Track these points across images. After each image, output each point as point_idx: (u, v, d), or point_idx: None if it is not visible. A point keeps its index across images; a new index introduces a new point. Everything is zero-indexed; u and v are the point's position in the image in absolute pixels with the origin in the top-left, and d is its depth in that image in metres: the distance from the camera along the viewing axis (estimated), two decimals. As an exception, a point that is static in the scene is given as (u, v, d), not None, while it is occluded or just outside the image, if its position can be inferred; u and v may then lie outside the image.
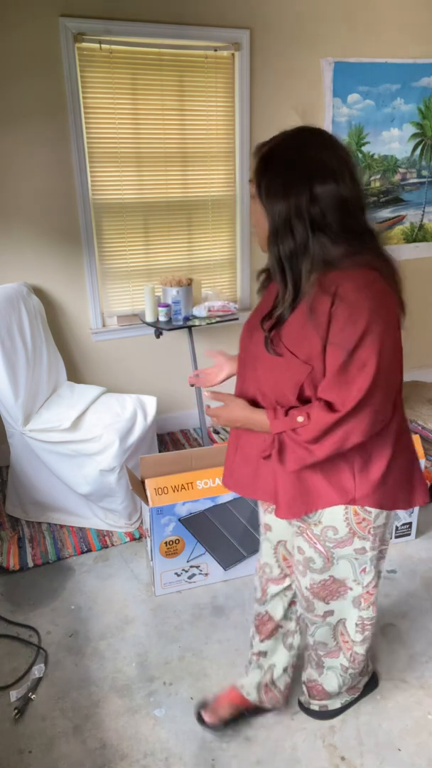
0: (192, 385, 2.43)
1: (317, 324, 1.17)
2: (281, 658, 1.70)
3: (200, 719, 1.72)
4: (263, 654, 1.70)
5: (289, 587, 1.62)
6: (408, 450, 1.38)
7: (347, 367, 1.16)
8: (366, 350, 1.15)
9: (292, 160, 1.17)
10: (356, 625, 1.54)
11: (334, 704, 1.72)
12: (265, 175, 1.18)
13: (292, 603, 1.65)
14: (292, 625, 1.67)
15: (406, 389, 3.95)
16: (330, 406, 1.20)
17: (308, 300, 1.17)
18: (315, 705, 1.72)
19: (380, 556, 1.48)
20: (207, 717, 1.71)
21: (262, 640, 1.69)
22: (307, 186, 1.14)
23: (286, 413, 1.25)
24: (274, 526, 1.57)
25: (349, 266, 1.17)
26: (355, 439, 1.21)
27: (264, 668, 1.70)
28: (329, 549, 1.40)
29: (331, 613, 1.52)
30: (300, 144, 1.20)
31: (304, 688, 1.73)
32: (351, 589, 1.48)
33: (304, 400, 1.25)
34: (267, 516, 1.57)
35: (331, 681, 1.64)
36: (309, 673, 1.69)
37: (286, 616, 1.66)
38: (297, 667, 1.73)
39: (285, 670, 1.71)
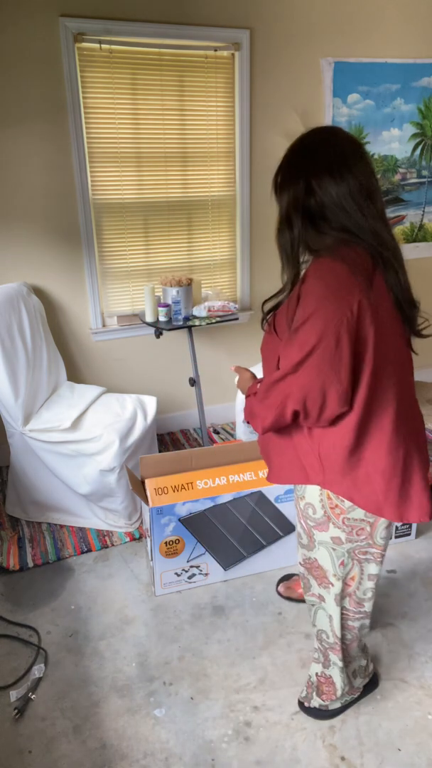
0: (192, 385, 2.44)
1: (290, 305, 1.28)
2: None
3: (278, 591, 2.16)
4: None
5: None
6: (403, 459, 1.34)
7: (290, 341, 1.26)
8: (306, 329, 1.22)
9: (292, 158, 1.30)
10: (340, 619, 1.57)
11: (335, 704, 1.72)
12: (276, 176, 1.32)
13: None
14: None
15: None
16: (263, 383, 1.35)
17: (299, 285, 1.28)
18: (316, 702, 1.72)
19: (364, 557, 1.48)
20: (282, 590, 2.15)
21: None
22: (303, 179, 1.25)
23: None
24: None
25: (322, 255, 1.26)
26: (291, 404, 1.27)
27: None
28: (310, 528, 1.48)
29: (322, 598, 1.57)
30: (302, 141, 1.31)
31: (313, 682, 1.72)
32: (332, 585, 1.51)
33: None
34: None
35: (336, 677, 1.66)
36: (316, 667, 1.70)
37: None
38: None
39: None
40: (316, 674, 1.71)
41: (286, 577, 2.25)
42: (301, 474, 1.40)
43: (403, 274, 1.32)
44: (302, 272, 1.28)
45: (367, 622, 1.63)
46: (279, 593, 2.21)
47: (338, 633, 1.58)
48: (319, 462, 1.36)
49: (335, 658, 1.63)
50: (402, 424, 1.34)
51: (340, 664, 1.64)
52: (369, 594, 1.56)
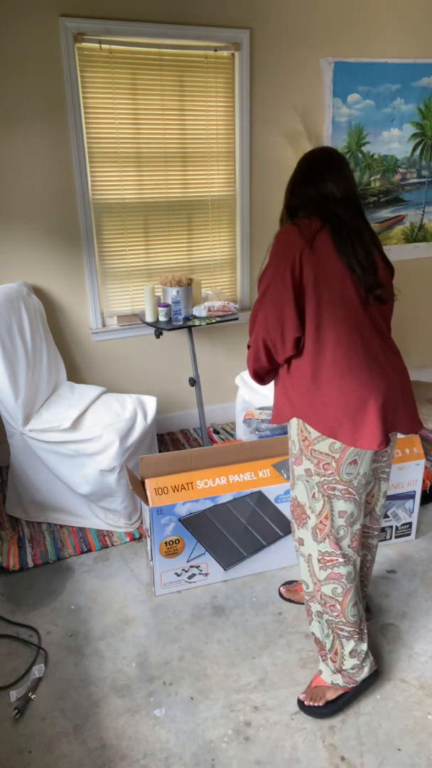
0: (192, 385, 2.46)
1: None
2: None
3: (280, 591, 2.23)
4: None
5: None
6: (356, 391, 1.53)
7: (258, 289, 1.61)
8: (264, 274, 1.59)
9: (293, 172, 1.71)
10: (318, 561, 1.68)
11: (329, 693, 1.76)
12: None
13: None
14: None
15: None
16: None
17: None
18: (321, 665, 1.79)
19: (332, 493, 1.61)
20: (284, 591, 2.21)
21: None
22: (291, 186, 1.69)
23: None
24: None
25: (284, 225, 1.65)
26: (261, 339, 1.59)
27: None
28: (292, 465, 1.69)
29: (301, 542, 1.73)
30: (299, 160, 1.72)
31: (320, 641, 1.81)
32: (309, 518, 1.67)
33: None
34: None
35: (316, 628, 1.78)
36: (310, 627, 1.83)
37: None
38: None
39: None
40: (312, 634, 1.82)
41: (290, 581, 2.26)
42: (285, 411, 1.66)
43: (362, 248, 1.56)
44: None
45: (352, 571, 1.69)
46: (280, 594, 2.22)
47: (317, 575, 1.70)
48: (292, 394, 1.62)
49: (315, 606, 1.75)
50: (362, 361, 1.54)
51: (315, 613, 1.75)
52: (342, 533, 1.64)
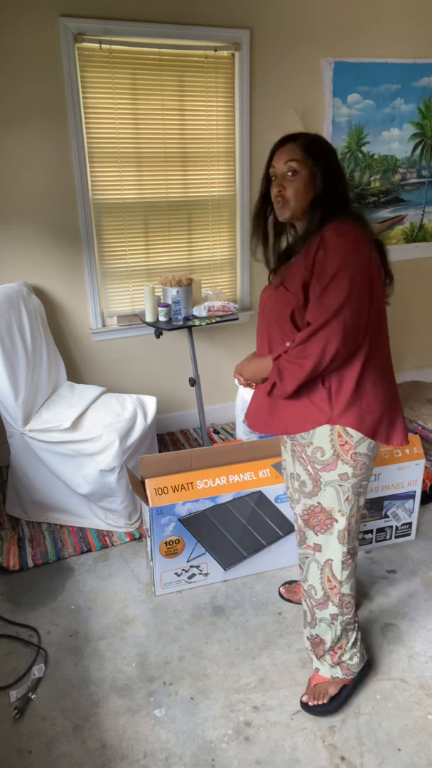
0: (192, 385, 2.44)
1: (306, 262, 1.49)
2: None
3: (279, 591, 2.23)
4: None
5: None
6: (389, 391, 1.59)
7: (325, 293, 1.45)
8: (341, 279, 1.43)
9: (328, 147, 1.56)
10: (342, 562, 1.69)
11: (331, 689, 1.77)
12: (319, 152, 1.52)
13: None
14: None
15: (406, 389, 3.95)
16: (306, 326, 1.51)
17: (309, 240, 1.51)
18: (317, 663, 1.81)
19: (360, 491, 1.65)
20: (283, 591, 2.21)
21: None
22: (335, 163, 1.55)
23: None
24: (287, 460, 1.81)
25: (336, 220, 1.51)
26: (333, 347, 1.45)
27: None
28: (317, 471, 1.62)
29: (319, 547, 1.69)
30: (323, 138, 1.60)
31: (307, 644, 1.82)
32: (337, 521, 1.65)
33: (295, 325, 1.55)
34: (283, 452, 1.84)
35: (325, 632, 1.76)
36: (307, 631, 1.82)
37: None
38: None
39: None
40: (308, 638, 1.81)
41: (290, 582, 2.26)
42: (312, 419, 1.57)
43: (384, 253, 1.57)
44: (316, 227, 1.51)
45: (355, 565, 1.75)
46: (280, 594, 2.22)
47: (339, 576, 1.70)
48: (329, 401, 1.54)
49: (322, 613, 1.74)
50: (390, 362, 1.62)
51: (328, 618, 1.73)
52: (359, 527, 1.74)
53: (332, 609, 1.73)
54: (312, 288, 1.48)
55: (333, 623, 1.74)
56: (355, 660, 1.79)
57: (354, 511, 1.65)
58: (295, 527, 1.78)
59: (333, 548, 1.68)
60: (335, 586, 1.71)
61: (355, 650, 1.78)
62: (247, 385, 1.73)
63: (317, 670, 1.80)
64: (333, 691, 1.76)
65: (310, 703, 1.76)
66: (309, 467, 1.63)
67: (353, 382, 1.53)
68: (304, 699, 1.78)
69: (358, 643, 1.80)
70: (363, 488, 1.65)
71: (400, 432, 1.61)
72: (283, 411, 1.63)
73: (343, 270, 1.43)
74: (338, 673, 1.77)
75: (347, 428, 1.55)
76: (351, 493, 1.62)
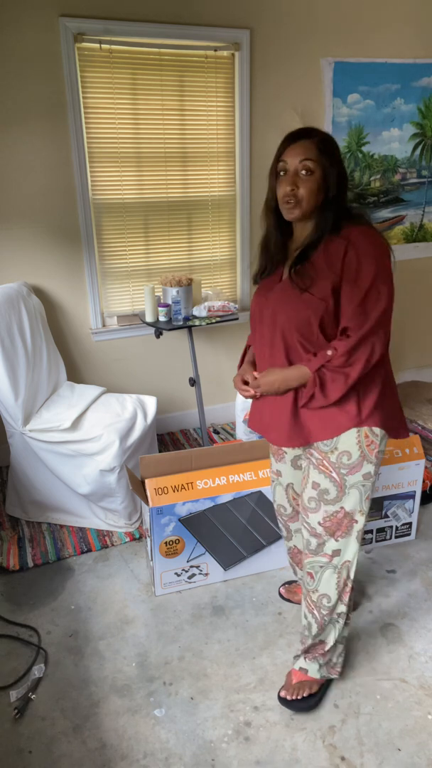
0: (192, 385, 2.40)
1: (332, 266, 1.47)
2: None
3: (280, 593, 2.21)
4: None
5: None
6: (393, 384, 1.63)
7: (366, 299, 1.45)
8: (379, 285, 1.45)
9: (337, 147, 1.53)
10: (354, 562, 1.69)
11: (314, 687, 1.78)
12: (333, 152, 1.50)
13: None
14: None
15: (406, 389, 3.95)
16: (348, 334, 1.48)
17: (325, 243, 1.50)
18: (305, 664, 1.79)
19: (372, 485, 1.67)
20: (283, 591, 2.20)
21: (301, 569, 1.90)
22: (343, 164, 1.54)
23: (315, 356, 1.52)
24: (284, 472, 1.81)
25: (357, 222, 1.51)
26: (377, 353, 1.47)
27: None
28: (343, 476, 1.59)
29: (338, 553, 1.67)
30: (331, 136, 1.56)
31: (304, 647, 1.79)
32: (357, 521, 1.64)
33: (323, 332, 1.51)
34: (278, 464, 1.82)
35: (329, 633, 1.75)
36: (307, 638, 1.77)
37: None
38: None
39: None
40: (309, 643, 1.77)
41: (290, 582, 2.26)
42: (340, 424, 1.55)
43: None
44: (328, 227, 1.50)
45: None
46: (280, 594, 2.21)
47: (352, 575, 1.70)
48: (357, 404, 1.54)
49: (331, 616, 1.72)
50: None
51: (336, 618, 1.72)
52: None
53: (340, 608, 1.72)
54: (347, 293, 1.46)
55: (338, 622, 1.74)
56: (342, 659, 1.81)
57: (368, 505, 1.66)
58: (309, 536, 1.70)
59: (351, 549, 1.67)
60: (347, 583, 1.70)
61: (343, 648, 1.80)
62: (253, 396, 1.66)
63: (305, 670, 1.79)
64: (315, 687, 1.78)
65: (288, 698, 1.76)
66: (334, 474, 1.60)
67: (379, 383, 1.55)
68: (282, 694, 1.78)
69: (344, 641, 1.81)
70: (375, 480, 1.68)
71: (405, 425, 1.66)
72: (307, 420, 1.59)
73: (381, 275, 1.45)
74: (326, 672, 1.79)
75: (373, 428, 1.56)
76: (370, 491, 1.63)
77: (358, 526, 1.65)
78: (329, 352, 1.49)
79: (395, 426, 1.62)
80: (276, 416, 1.63)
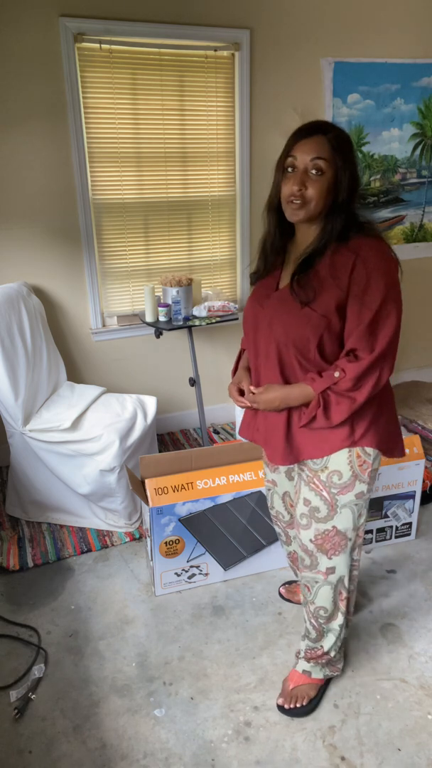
0: (192, 385, 2.37)
1: (337, 280, 1.38)
2: None
3: (280, 593, 2.19)
4: None
5: None
6: (391, 401, 1.57)
7: (376, 320, 1.37)
8: (389, 305, 1.37)
9: (352, 146, 1.44)
10: (349, 574, 1.67)
11: (312, 691, 1.77)
12: (347, 152, 1.40)
13: None
14: None
15: (406, 389, 3.95)
16: (356, 356, 1.39)
17: (331, 253, 1.40)
18: (307, 666, 1.78)
19: (367, 502, 1.61)
20: (284, 591, 2.17)
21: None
22: (356, 165, 1.44)
23: (321, 376, 1.43)
24: (279, 481, 1.78)
25: (367, 233, 1.41)
26: (384, 377, 1.41)
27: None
28: (334, 496, 1.54)
29: (332, 570, 1.64)
30: (347, 133, 1.46)
31: (305, 653, 1.78)
32: (350, 539, 1.60)
33: (321, 351, 1.43)
34: (273, 474, 1.78)
35: (329, 641, 1.73)
36: (307, 644, 1.77)
37: None
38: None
39: None
40: (309, 649, 1.77)
41: (290, 582, 2.25)
42: (332, 444, 1.49)
43: None
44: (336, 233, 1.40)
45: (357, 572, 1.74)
46: (280, 594, 2.21)
47: (348, 586, 1.68)
48: (351, 424, 1.47)
49: (331, 625, 1.71)
50: None
51: (336, 628, 1.71)
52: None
53: (340, 619, 1.71)
54: (354, 312, 1.38)
55: (336, 631, 1.72)
56: (342, 655, 1.82)
57: (363, 521, 1.61)
58: (302, 552, 1.66)
59: (343, 565, 1.64)
60: (345, 596, 1.68)
61: (341, 647, 1.80)
62: (248, 407, 1.59)
63: (306, 673, 1.78)
64: (312, 693, 1.77)
65: (286, 706, 1.75)
66: (324, 492, 1.54)
67: (376, 402, 1.48)
68: (280, 702, 1.77)
69: (344, 641, 1.81)
70: (370, 498, 1.63)
71: (401, 444, 1.60)
72: (300, 438, 1.52)
73: (391, 294, 1.37)
74: (328, 672, 1.79)
75: (366, 448, 1.50)
76: (364, 508, 1.58)
77: (351, 543, 1.61)
78: (336, 374, 1.40)
79: (390, 447, 1.56)
80: (270, 432, 1.56)
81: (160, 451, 3.13)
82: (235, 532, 2.23)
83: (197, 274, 3.28)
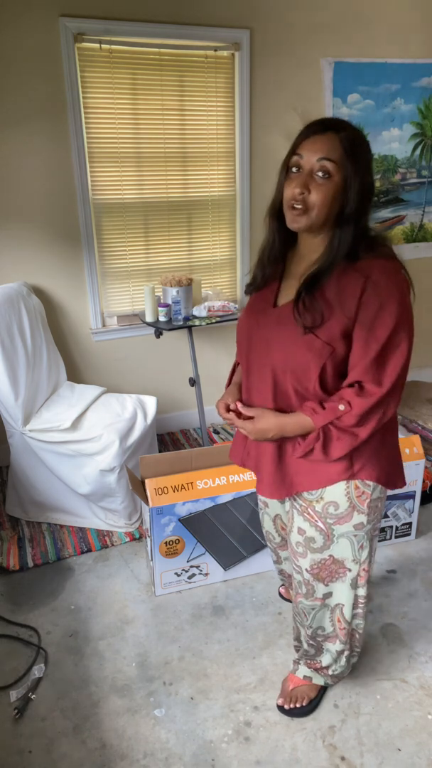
0: (192, 385, 2.35)
1: (344, 304, 1.25)
2: None
3: (280, 593, 2.13)
4: None
5: None
6: (395, 433, 1.47)
7: (385, 352, 1.26)
8: (400, 334, 1.26)
9: (369, 151, 1.28)
10: (353, 606, 1.59)
11: (312, 692, 1.76)
12: (361, 156, 1.25)
13: None
14: None
15: (406, 389, 3.95)
16: (362, 389, 1.27)
17: (338, 273, 1.27)
18: (308, 672, 1.74)
19: (374, 534, 1.52)
20: (283, 591, 2.11)
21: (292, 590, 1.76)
22: (371, 172, 1.28)
23: (322, 406, 1.30)
24: (270, 504, 1.71)
25: (379, 252, 1.28)
26: (390, 413, 1.31)
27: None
28: (330, 526, 1.45)
29: (330, 595, 1.57)
30: (364, 135, 1.30)
31: (304, 663, 1.75)
32: (350, 570, 1.52)
33: (321, 381, 1.31)
34: (263, 497, 1.64)
35: (327, 658, 1.68)
36: (305, 652, 1.72)
37: None
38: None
39: None
40: (307, 663, 1.73)
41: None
42: (328, 477, 1.39)
43: None
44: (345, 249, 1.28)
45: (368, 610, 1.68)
46: (280, 594, 2.21)
47: (348, 618, 1.59)
48: (350, 458, 1.37)
49: (330, 645, 1.65)
50: None
51: (334, 652, 1.65)
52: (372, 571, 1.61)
53: (339, 645, 1.64)
54: (361, 342, 1.26)
55: (339, 658, 1.67)
56: (347, 669, 1.74)
57: (369, 557, 1.52)
58: (298, 580, 1.58)
59: (343, 594, 1.55)
60: (344, 627, 1.61)
61: (347, 666, 1.73)
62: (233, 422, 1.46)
63: (307, 678, 1.75)
64: (312, 693, 1.76)
65: (286, 707, 1.75)
66: (320, 523, 1.45)
67: (378, 434, 1.36)
68: (280, 702, 1.76)
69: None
70: (376, 531, 1.53)
71: (403, 475, 1.51)
72: (293, 468, 1.42)
73: (402, 324, 1.27)
74: (329, 680, 1.74)
75: (365, 480, 1.41)
76: (366, 540, 1.48)
77: (352, 575, 1.52)
78: (341, 407, 1.28)
79: (392, 479, 1.45)
80: (261, 460, 1.46)
81: (160, 451, 3.13)
82: (235, 532, 2.23)
83: (197, 274, 3.28)
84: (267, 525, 1.78)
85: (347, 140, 1.22)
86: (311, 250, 1.35)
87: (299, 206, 1.25)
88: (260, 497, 1.74)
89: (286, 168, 1.28)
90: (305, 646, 1.70)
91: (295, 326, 1.29)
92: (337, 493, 1.41)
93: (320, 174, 1.22)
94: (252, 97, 3.08)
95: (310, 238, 1.33)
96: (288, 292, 1.37)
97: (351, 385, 1.30)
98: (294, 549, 1.55)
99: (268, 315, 1.37)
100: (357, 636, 1.67)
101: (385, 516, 2.42)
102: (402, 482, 1.50)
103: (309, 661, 1.73)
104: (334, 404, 1.29)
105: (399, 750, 1.65)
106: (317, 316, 1.26)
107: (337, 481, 1.39)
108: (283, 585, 2.23)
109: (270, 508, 1.72)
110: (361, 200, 1.24)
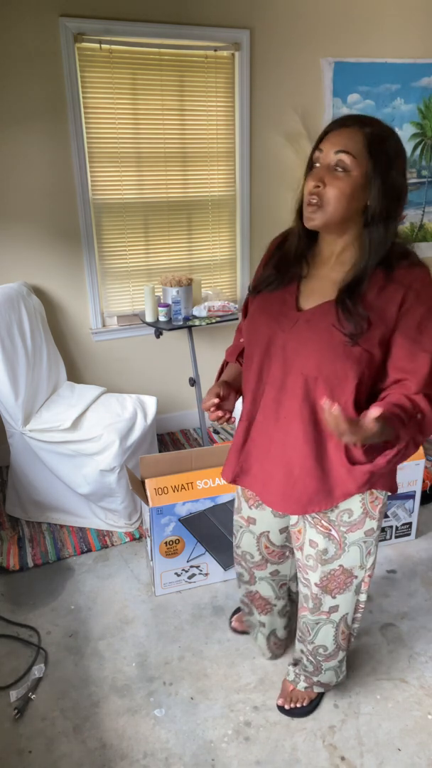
0: (192, 385, 2.35)
1: (384, 313, 1.20)
2: (279, 622, 1.85)
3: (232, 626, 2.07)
4: (262, 624, 1.84)
5: (274, 572, 1.71)
6: None
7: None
8: None
9: (399, 150, 1.20)
10: (355, 611, 1.60)
11: (310, 693, 1.77)
12: (385, 153, 1.16)
13: (281, 585, 1.74)
14: (283, 602, 1.78)
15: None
16: (429, 398, 1.22)
17: (374, 278, 1.21)
18: (303, 685, 1.75)
19: (378, 539, 1.54)
20: (236, 624, 2.06)
21: (260, 614, 1.82)
22: (402, 174, 1.20)
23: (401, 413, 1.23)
24: (260, 519, 1.60)
25: (412, 262, 1.22)
26: None
27: (265, 633, 1.87)
28: (342, 534, 1.44)
29: (336, 609, 1.56)
30: (396, 135, 1.22)
31: (303, 675, 1.74)
32: (356, 577, 1.53)
33: (357, 391, 1.25)
34: (253, 510, 1.60)
35: (327, 677, 1.70)
36: (303, 667, 1.71)
37: (277, 596, 1.76)
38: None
39: (285, 627, 1.88)
40: (305, 678, 1.72)
41: (238, 610, 2.10)
42: (345, 490, 1.36)
43: None
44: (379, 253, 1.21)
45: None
46: (232, 627, 2.08)
47: (351, 624, 1.61)
48: (370, 471, 1.33)
49: (330, 663, 1.65)
50: None
51: (336, 664, 1.66)
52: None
53: (341, 655, 1.66)
54: (405, 350, 1.21)
55: (340, 667, 1.69)
56: (343, 674, 1.75)
57: (373, 562, 1.52)
58: (305, 594, 1.58)
59: (349, 603, 1.56)
60: (346, 637, 1.63)
61: (343, 672, 1.74)
62: (221, 420, 1.40)
63: (307, 689, 1.76)
64: (312, 694, 1.77)
65: (286, 707, 1.75)
66: (333, 531, 1.44)
67: (396, 448, 1.29)
68: (280, 702, 1.77)
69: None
70: (379, 534, 1.53)
71: (395, 479, 1.49)
72: (305, 482, 1.36)
73: None
74: (321, 689, 1.76)
75: (380, 491, 1.42)
76: (373, 546, 1.49)
77: (357, 581, 1.53)
78: (419, 416, 1.23)
79: (394, 487, 1.46)
80: (271, 474, 1.41)
81: (160, 451, 3.13)
82: (235, 532, 2.23)
83: (197, 274, 3.28)
84: (246, 545, 1.67)
85: (372, 136, 1.14)
86: (333, 252, 1.28)
87: (314, 200, 1.18)
88: (242, 513, 1.64)
89: (309, 165, 1.23)
90: (304, 660, 1.70)
91: (331, 331, 1.21)
92: (353, 501, 1.41)
93: (337, 168, 1.16)
94: (252, 97, 3.08)
95: (332, 239, 1.27)
96: (312, 297, 1.29)
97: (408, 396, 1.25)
98: (304, 563, 1.53)
99: (292, 318, 1.28)
100: (352, 639, 1.68)
101: (385, 516, 2.41)
102: (396, 488, 1.49)
103: (307, 678, 1.72)
104: (411, 413, 1.21)
105: (399, 750, 1.65)
106: (362, 323, 1.19)
107: (354, 494, 1.38)
108: (236, 614, 2.10)
109: (257, 525, 1.61)
110: (386, 201, 1.16)
